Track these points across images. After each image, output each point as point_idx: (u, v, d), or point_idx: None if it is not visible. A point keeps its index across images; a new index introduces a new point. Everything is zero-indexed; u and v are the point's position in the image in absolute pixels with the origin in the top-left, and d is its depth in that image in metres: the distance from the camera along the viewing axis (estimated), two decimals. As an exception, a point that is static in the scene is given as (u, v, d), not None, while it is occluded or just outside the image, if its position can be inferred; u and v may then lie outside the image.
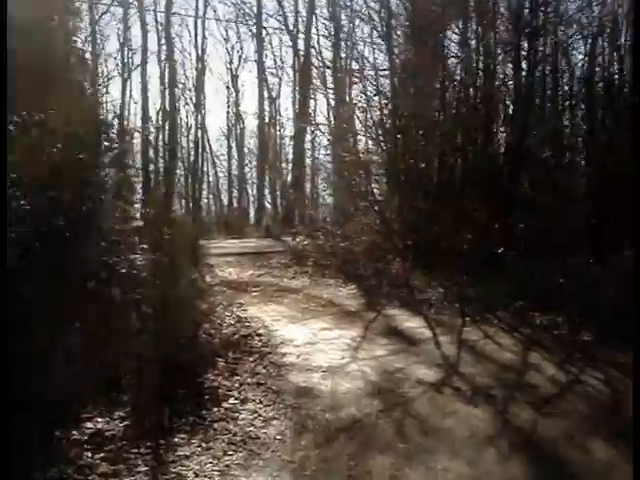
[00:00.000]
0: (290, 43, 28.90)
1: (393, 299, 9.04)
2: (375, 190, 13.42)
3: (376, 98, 13.18)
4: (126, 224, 6.14)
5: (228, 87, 35.30)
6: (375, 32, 14.48)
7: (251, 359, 5.78)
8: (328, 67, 21.68)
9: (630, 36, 10.62)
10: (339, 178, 15.94)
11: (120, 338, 5.02)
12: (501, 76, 12.19)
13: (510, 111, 12.07)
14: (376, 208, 12.54)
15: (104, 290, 5.18)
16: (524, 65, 11.67)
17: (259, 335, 6.70)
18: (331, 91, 23.08)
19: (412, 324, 7.58)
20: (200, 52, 30.45)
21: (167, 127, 27.91)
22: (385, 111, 13.21)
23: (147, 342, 5.16)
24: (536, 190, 9.99)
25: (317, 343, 6.50)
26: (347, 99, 16.43)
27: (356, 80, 14.26)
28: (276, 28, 30.96)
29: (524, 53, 11.53)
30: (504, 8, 11.92)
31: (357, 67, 14.75)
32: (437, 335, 7.04)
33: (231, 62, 34.18)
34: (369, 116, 13.36)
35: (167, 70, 26.86)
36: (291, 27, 28.32)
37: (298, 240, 15.34)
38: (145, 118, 27.23)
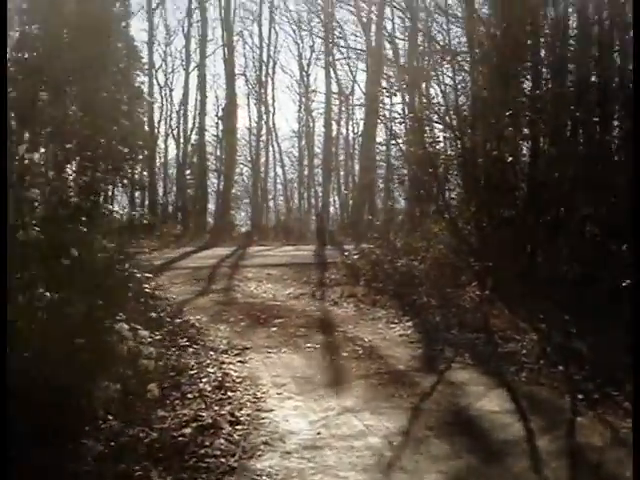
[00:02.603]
0: (363, 34, 26.47)
1: (464, 350, 6.24)
2: (448, 192, 10.64)
3: (450, 78, 10.43)
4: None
5: (299, 84, 33.37)
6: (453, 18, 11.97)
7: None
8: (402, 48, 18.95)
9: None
10: (409, 178, 13.29)
11: None
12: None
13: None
14: (446, 215, 9.70)
15: None
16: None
17: (234, 423, 4.12)
18: (405, 85, 20.38)
19: (491, 404, 4.77)
20: (269, 45, 28.63)
21: (228, 124, 26.19)
22: (462, 96, 10.42)
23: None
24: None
25: (325, 447, 3.84)
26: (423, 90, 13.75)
27: (436, 58, 11.55)
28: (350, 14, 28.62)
29: None
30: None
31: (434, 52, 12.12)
32: (532, 433, 4.20)
33: (301, 57, 32.14)
34: (445, 101, 10.66)
35: (227, 59, 25.05)
36: (364, 18, 25.89)
37: (354, 252, 12.81)
38: (203, 114, 25.60)
